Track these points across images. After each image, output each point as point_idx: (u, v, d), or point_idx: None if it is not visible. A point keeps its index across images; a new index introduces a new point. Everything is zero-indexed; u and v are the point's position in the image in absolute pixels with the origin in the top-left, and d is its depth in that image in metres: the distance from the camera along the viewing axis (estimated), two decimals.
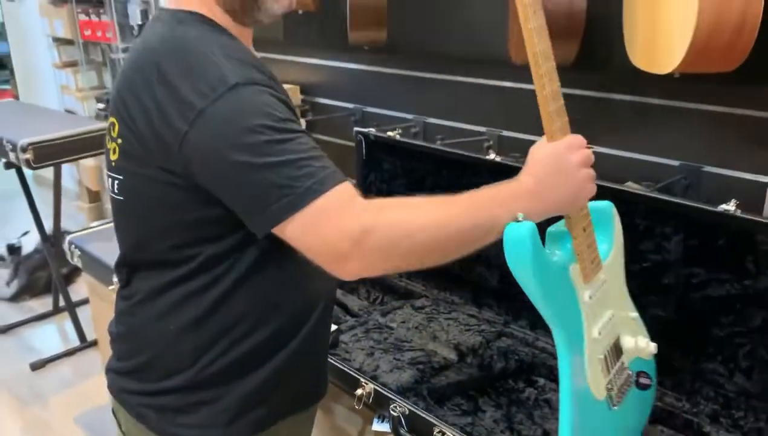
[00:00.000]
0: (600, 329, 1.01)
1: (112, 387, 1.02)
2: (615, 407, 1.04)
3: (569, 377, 0.97)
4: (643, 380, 1.11)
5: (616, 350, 1.06)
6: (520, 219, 0.87)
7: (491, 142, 2.09)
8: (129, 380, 0.99)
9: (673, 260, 1.29)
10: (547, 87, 0.89)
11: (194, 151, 0.81)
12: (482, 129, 2.11)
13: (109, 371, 1.03)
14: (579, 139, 0.92)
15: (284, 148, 0.80)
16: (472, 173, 1.64)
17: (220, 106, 0.80)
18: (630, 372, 1.09)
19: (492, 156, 1.56)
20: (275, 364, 0.96)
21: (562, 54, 1.57)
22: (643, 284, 1.33)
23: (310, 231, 0.80)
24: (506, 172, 1.53)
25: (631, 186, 1.53)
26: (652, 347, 1.09)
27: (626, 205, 1.28)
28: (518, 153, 1.88)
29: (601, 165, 1.31)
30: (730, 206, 1.18)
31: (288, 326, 0.97)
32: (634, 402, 1.11)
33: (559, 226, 0.98)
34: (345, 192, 0.82)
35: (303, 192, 0.79)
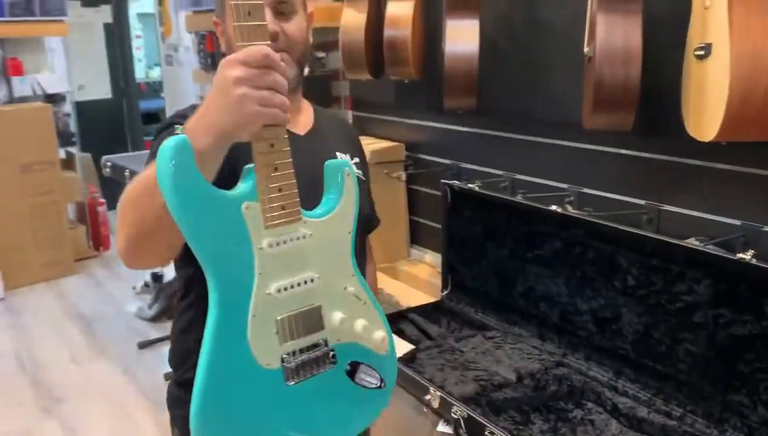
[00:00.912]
0: (282, 286, 0.90)
1: None
2: (291, 383, 0.91)
3: (215, 327, 0.86)
4: (363, 376, 0.99)
5: (311, 320, 0.94)
6: (177, 132, 0.83)
7: (572, 198, 2.32)
8: None
9: (702, 301, 1.48)
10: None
11: None
12: (564, 185, 2.34)
13: None
14: (249, 52, 0.84)
15: None
16: (539, 222, 1.89)
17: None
18: (331, 353, 0.95)
19: (554, 207, 1.81)
20: None
21: (621, 121, 1.80)
22: (677, 321, 1.52)
23: None
24: (569, 222, 1.78)
25: (696, 244, 1.71)
26: (378, 338, 1.00)
27: (660, 253, 1.49)
28: (592, 208, 2.11)
29: (668, 222, 1.53)
30: (746, 255, 1.36)
31: None
32: (342, 394, 0.98)
33: None
34: None
35: None
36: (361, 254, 1.32)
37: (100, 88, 6.06)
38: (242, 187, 0.89)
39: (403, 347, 1.93)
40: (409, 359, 1.81)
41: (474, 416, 1.51)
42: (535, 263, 1.88)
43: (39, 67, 4.93)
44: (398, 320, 2.09)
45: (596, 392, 1.66)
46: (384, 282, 2.60)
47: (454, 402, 1.57)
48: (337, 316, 0.95)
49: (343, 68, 2.84)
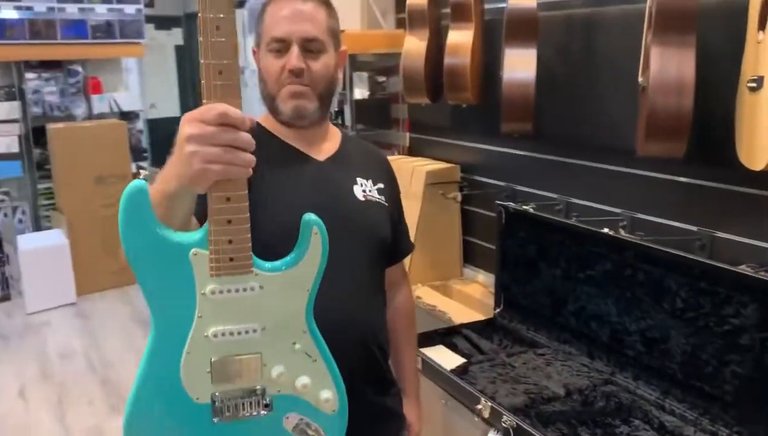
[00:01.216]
0: (220, 331, 0.94)
1: None
2: (216, 421, 0.96)
3: (151, 352, 0.94)
4: (302, 428, 1.01)
5: (248, 368, 0.97)
6: (141, 177, 0.91)
7: (625, 223, 2.37)
8: None
9: (749, 324, 1.52)
10: (211, 59, 0.86)
11: None
12: (617, 210, 2.40)
13: None
14: (205, 109, 0.85)
15: None
16: (592, 244, 1.96)
17: None
18: (266, 401, 0.98)
19: (606, 230, 1.88)
20: None
21: (673, 149, 1.86)
22: (725, 344, 1.57)
23: None
24: (620, 245, 1.84)
25: (743, 269, 1.75)
26: (323, 397, 1.01)
27: (710, 277, 1.55)
28: (644, 233, 2.16)
29: (721, 249, 1.58)
30: None
31: None
32: None
33: None
34: None
35: None
36: (379, 283, 1.37)
37: (170, 107, 6.38)
38: (197, 234, 0.92)
39: (454, 361, 2.02)
40: (461, 370, 1.90)
41: (523, 426, 1.58)
42: (587, 284, 1.95)
43: (116, 86, 5.25)
44: (451, 335, 2.18)
45: (644, 410, 1.71)
46: (436, 299, 2.69)
47: (504, 412, 1.65)
48: (277, 369, 0.97)
49: (403, 92, 2.97)
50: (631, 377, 1.82)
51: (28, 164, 4.81)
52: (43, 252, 4.47)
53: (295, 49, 1.21)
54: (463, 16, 2.62)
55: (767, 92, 1.61)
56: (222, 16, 0.86)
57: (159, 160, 5.76)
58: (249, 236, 0.93)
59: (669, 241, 1.98)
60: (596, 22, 2.29)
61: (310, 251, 0.99)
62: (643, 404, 1.73)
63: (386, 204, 1.38)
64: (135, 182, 0.88)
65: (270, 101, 1.27)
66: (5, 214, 4.70)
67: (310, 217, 0.99)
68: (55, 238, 4.60)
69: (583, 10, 2.39)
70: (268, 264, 0.97)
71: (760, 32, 1.64)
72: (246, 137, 0.87)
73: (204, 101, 0.86)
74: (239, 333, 0.95)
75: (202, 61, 0.86)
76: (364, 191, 1.35)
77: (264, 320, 0.96)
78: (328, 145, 1.36)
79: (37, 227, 4.89)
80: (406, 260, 1.56)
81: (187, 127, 0.85)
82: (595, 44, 2.31)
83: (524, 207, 2.13)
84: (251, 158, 0.88)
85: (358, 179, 1.35)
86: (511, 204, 2.18)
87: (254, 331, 0.96)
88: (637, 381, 1.80)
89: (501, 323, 2.23)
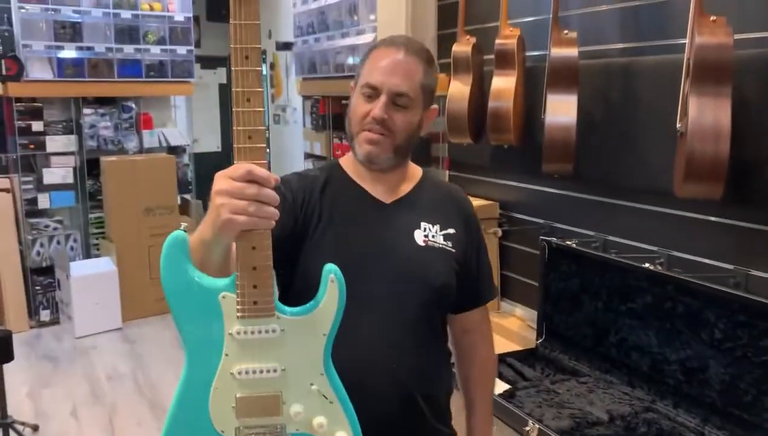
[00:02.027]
0: (245, 369, 1.02)
1: None
2: None
3: (183, 385, 1.03)
4: None
5: (269, 405, 1.04)
6: (181, 229, 1.01)
7: (662, 260, 2.48)
8: None
9: None
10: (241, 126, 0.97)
11: None
12: (653, 248, 2.51)
13: None
14: (234, 168, 0.95)
15: None
16: (633, 278, 2.08)
17: None
18: None
19: (647, 265, 2.00)
20: None
21: (711, 191, 1.98)
22: (763, 373, 1.67)
23: None
24: (660, 279, 1.96)
25: None
26: None
27: (747, 310, 1.66)
28: (680, 269, 2.27)
29: (756, 287, 1.69)
30: None
31: None
32: None
33: None
34: None
35: None
36: (434, 330, 1.36)
37: (212, 142, 6.65)
38: (226, 279, 1.01)
39: (500, 386, 2.14)
40: (507, 395, 2.02)
41: None
42: (628, 316, 2.06)
43: (165, 122, 5.51)
44: None
45: None
46: None
47: (551, 434, 1.76)
48: (296, 408, 1.03)
49: (446, 132, 3.13)
50: (671, 405, 1.92)
51: (81, 194, 5.05)
52: (93, 279, 4.67)
53: (382, 99, 1.27)
54: (506, 64, 2.79)
55: None
56: (253, 90, 0.97)
57: (202, 193, 6.00)
58: (272, 281, 1.01)
59: (705, 278, 2.09)
60: (634, 70, 2.44)
61: (327, 299, 1.04)
62: (683, 430, 1.83)
63: (453, 250, 1.36)
64: (175, 233, 0.99)
65: (350, 140, 1.35)
66: (58, 242, 4.93)
67: (329, 266, 1.05)
68: (104, 265, 4.80)
69: (621, 59, 2.54)
70: (288, 309, 1.04)
71: None
72: (269, 193, 0.95)
73: (235, 162, 0.96)
74: (261, 372, 1.02)
75: (234, 127, 0.97)
76: (425, 236, 1.35)
77: (284, 360, 1.03)
78: (401, 187, 1.39)
79: (87, 254, 5.11)
80: None
81: (218, 182, 0.95)
82: (632, 91, 2.46)
83: (567, 242, 2.26)
84: (274, 212, 0.96)
85: (423, 224, 1.36)
86: (555, 240, 2.32)
87: (275, 371, 1.03)
88: (677, 409, 1.90)
89: (543, 353, 2.35)
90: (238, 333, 1.01)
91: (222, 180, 0.94)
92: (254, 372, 1.02)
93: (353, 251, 1.30)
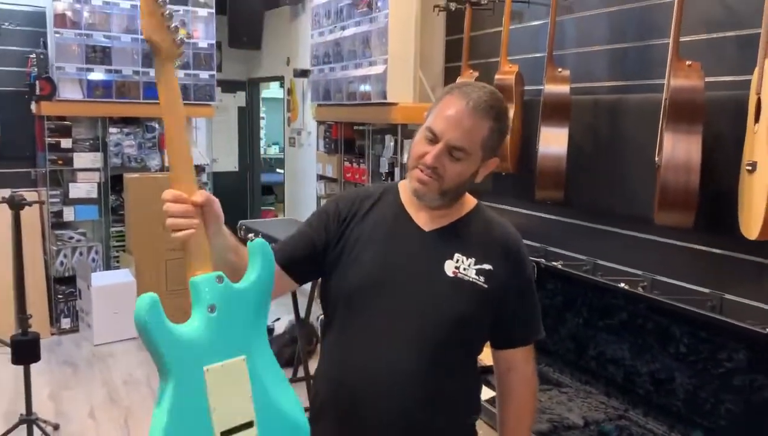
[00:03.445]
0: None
1: None
2: None
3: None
4: None
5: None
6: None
7: (645, 283, 2.66)
8: None
9: (740, 367, 1.81)
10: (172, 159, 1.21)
11: None
12: (639, 272, 2.70)
13: None
14: (165, 193, 1.19)
15: None
16: (610, 296, 2.27)
17: None
18: None
19: (622, 284, 2.19)
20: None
21: (683, 219, 2.17)
22: (720, 384, 1.85)
23: None
24: (634, 298, 2.15)
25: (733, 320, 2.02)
26: None
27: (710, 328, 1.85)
28: (663, 292, 2.45)
29: (730, 309, 1.84)
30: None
31: None
32: None
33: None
34: None
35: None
36: (456, 364, 1.37)
37: (230, 161, 6.91)
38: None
39: (487, 393, 2.32)
40: (492, 401, 2.20)
41: None
42: (605, 331, 2.25)
43: None
44: (484, 374, 2.48)
45: None
46: None
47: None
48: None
49: None
50: (641, 414, 2.10)
51: (104, 209, 5.30)
52: (112, 289, 4.90)
53: (438, 148, 1.29)
54: (504, 98, 3.00)
55: (759, 175, 1.94)
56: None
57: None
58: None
59: (683, 300, 2.27)
60: (620, 106, 2.65)
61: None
62: None
63: (485, 286, 1.34)
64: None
65: (407, 169, 1.38)
66: (80, 253, 5.18)
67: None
68: (123, 277, 5.03)
69: (609, 96, 2.76)
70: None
71: (756, 124, 1.98)
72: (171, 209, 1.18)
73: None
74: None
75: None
76: (456, 268, 1.35)
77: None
78: (445, 218, 1.40)
79: (108, 266, 5.35)
80: None
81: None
82: (619, 125, 2.66)
83: (554, 263, 2.45)
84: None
85: (456, 255, 1.35)
86: (543, 260, 2.51)
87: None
88: (647, 417, 2.08)
89: None
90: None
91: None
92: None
93: (383, 271, 1.35)
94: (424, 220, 1.39)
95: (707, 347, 1.89)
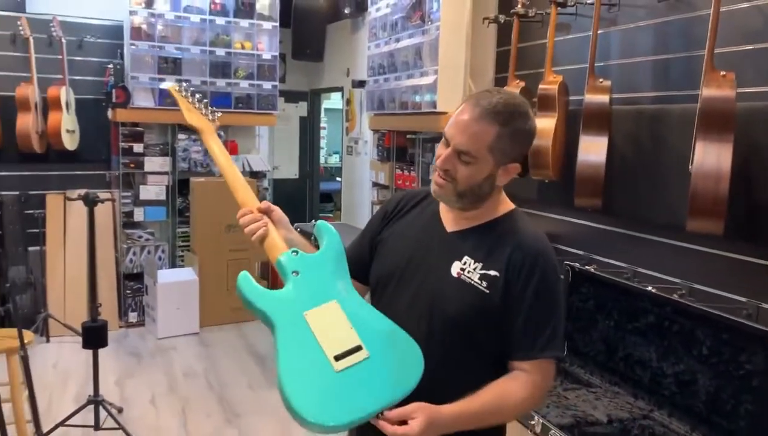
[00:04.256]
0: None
1: None
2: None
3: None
4: None
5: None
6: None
7: (683, 291, 2.69)
8: None
9: (759, 370, 1.85)
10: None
11: None
12: (677, 280, 2.73)
13: None
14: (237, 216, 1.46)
15: None
16: (638, 300, 2.32)
17: None
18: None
19: (650, 288, 2.24)
20: None
21: (712, 227, 2.21)
22: (740, 385, 1.89)
23: None
24: (660, 301, 2.20)
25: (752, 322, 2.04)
26: None
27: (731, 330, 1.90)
28: (700, 300, 2.47)
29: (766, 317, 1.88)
30: None
31: None
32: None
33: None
34: None
35: None
36: (458, 363, 1.37)
37: (291, 169, 7.17)
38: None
39: None
40: None
41: None
42: (633, 334, 2.31)
43: (249, 149, 6.06)
44: None
45: None
46: None
47: (552, 428, 2.03)
48: None
49: None
50: (666, 414, 2.15)
51: (171, 210, 5.63)
52: (176, 287, 5.20)
53: (447, 152, 1.36)
54: (548, 106, 3.09)
55: None
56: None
57: None
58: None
59: (719, 308, 2.29)
60: (662, 117, 2.70)
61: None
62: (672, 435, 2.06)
63: (486, 291, 1.35)
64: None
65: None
66: (148, 252, 5.51)
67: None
68: (187, 275, 5.33)
69: (651, 106, 2.80)
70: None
71: None
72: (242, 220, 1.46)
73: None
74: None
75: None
76: (462, 270, 1.38)
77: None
78: (470, 221, 1.43)
79: (173, 264, 5.67)
80: None
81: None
82: (661, 135, 2.70)
83: (587, 267, 2.52)
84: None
85: (465, 258, 1.39)
86: (577, 264, 2.58)
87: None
88: (671, 417, 2.12)
89: (563, 367, 2.60)
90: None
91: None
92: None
93: (403, 264, 1.45)
94: (450, 220, 1.45)
95: (728, 349, 1.93)
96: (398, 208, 1.55)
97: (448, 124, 1.39)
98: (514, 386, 1.34)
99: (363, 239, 1.61)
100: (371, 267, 1.54)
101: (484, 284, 1.35)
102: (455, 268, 1.38)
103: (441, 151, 1.38)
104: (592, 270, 2.51)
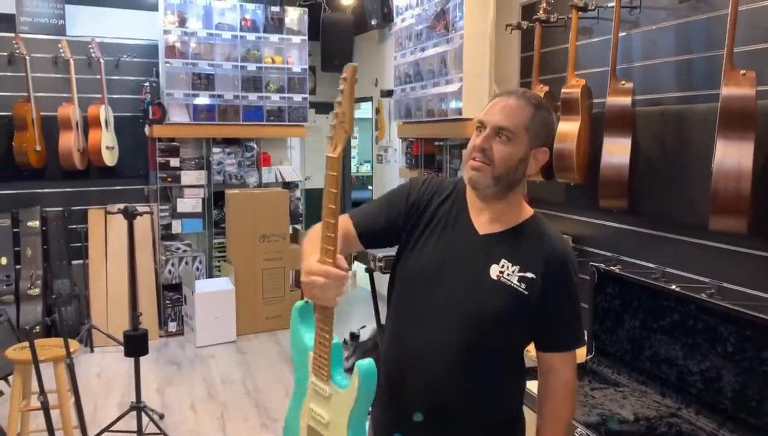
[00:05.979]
0: (312, 409, 1.42)
1: None
2: None
3: (294, 393, 1.49)
4: None
5: None
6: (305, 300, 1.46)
7: (712, 291, 2.69)
8: None
9: None
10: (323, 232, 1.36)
11: None
12: (706, 279, 2.73)
13: None
14: (308, 265, 1.34)
15: None
16: (663, 298, 2.33)
17: None
18: None
19: (673, 286, 2.26)
20: None
21: (735, 225, 2.21)
22: (765, 381, 1.90)
23: None
24: (684, 299, 2.21)
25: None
26: None
27: (755, 326, 1.91)
28: (729, 299, 2.47)
29: None
30: None
31: None
32: None
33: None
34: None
35: None
36: (491, 361, 1.46)
37: (322, 179, 7.26)
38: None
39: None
40: None
41: None
42: (659, 332, 2.32)
43: (281, 160, 6.19)
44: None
45: None
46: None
47: (579, 426, 2.06)
48: None
49: None
50: (693, 412, 2.16)
51: (208, 222, 5.78)
52: (214, 296, 5.33)
53: (486, 131, 1.42)
54: (571, 110, 3.13)
55: None
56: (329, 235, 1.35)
57: (311, 223, 6.62)
58: (328, 357, 1.37)
59: (745, 306, 2.29)
60: (686, 116, 2.71)
61: (350, 387, 1.35)
62: (700, 433, 2.07)
63: (525, 293, 1.43)
64: (299, 303, 1.47)
65: (462, 169, 1.50)
66: (186, 263, 5.66)
67: (363, 362, 1.32)
68: (223, 285, 5.46)
69: (675, 107, 2.82)
70: (339, 379, 1.38)
71: None
72: (327, 285, 1.32)
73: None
74: (319, 416, 1.41)
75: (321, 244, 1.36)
76: (501, 272, 1.45)
77: (329, 414, 1.39)
78: (500, 224, 1.49)
79: (210, 274, 5.81)
80: None
81: (303, 267, 1.37)
82: (684, 134, 2.72)
83: (612, 267, 2.54)
84: (330, 298, 1.33)
85: (503, 261, 1.45)
86: (602, 265, 2.61)
87: (323, 419, 1.41)
88: (698, 415, 2.13)
89: (591, 367, 2.62)
90: (312, 383, 1.43)
91: (306, 276, 1.35)
92: (315, 413, 1.43)
93: (437, 265, 1.48)
94: (481, 223, 1.49)
95: (752, 345, 1.94)
96: (425, 198, 1.55)
97: (481, 115, 1.46)
98: (557, 402, 1.54)
99: (380, 212, 1.59)
100: (398, 265, 1.57)
101: (523, 285, 1.43)
102: (494, 271, 1.44)
103: (475, 139, 1.44)
104: (617, 271, 2.53)
